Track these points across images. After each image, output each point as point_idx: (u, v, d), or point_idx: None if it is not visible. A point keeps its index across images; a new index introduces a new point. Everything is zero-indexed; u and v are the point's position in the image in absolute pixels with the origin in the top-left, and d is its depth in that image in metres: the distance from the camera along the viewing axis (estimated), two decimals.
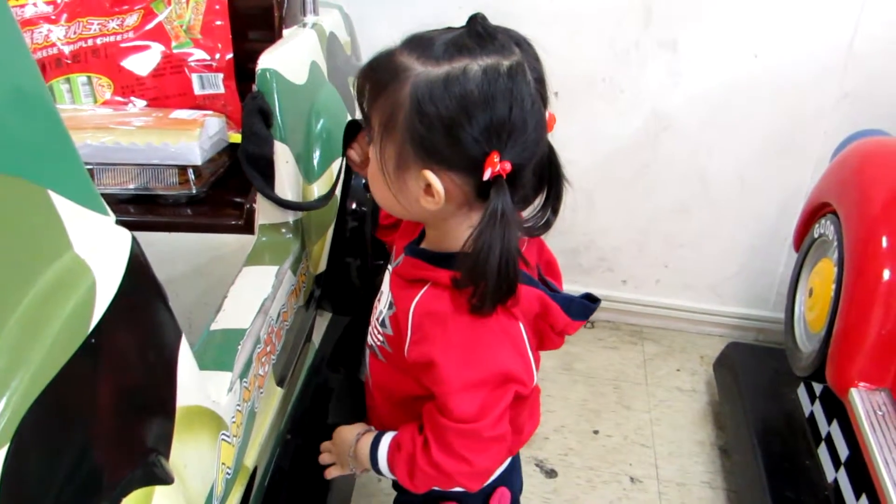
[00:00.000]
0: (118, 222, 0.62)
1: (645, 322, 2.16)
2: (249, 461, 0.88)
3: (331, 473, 0.93)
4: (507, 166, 0.67)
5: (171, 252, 1.12)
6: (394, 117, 0.69)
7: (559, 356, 1.99)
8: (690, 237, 2.04)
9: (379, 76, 0.71)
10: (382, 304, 0.85)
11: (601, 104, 1.89)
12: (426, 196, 0.71)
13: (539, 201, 0.79)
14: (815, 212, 1.51)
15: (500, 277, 0.69)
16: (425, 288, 0.76)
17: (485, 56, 0.67)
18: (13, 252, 0.51)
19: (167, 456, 0.63)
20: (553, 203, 0.78)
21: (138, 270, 0.60)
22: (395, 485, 1.02)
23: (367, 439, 0.86)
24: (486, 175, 0.67)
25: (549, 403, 1.82)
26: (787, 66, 1.77)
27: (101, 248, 0.57)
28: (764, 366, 1.76)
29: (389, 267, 0.87)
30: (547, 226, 0.79)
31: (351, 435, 0.89)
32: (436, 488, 0.88)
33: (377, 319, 0.86)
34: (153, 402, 0.62)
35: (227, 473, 0.79)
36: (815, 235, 1.49)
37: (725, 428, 1.76)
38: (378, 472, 0.84)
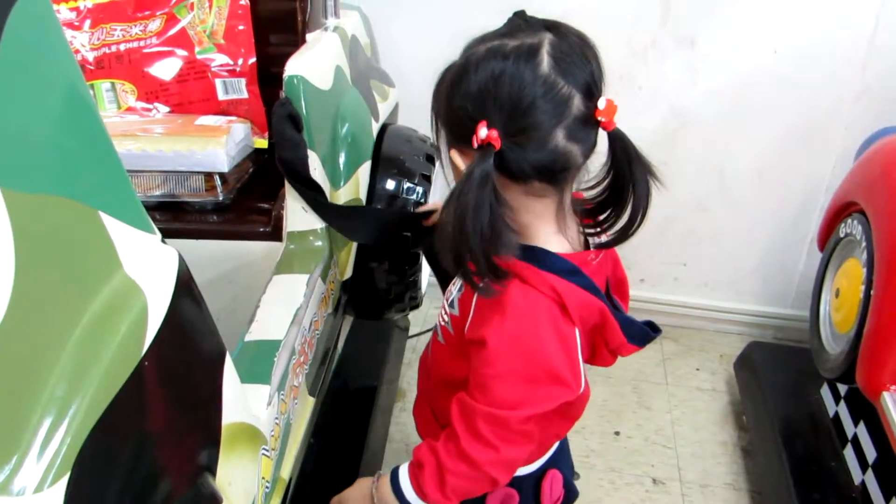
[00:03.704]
0: None
1: (663, 321, 2.12)
2: (285, 473, 0.88)
3: None
4: (494, 134, 0.69)
5: (198, 259, 1.10)
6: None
7: None
8: (709, 234, 2.03)
9: None
10: (455, 287, 0.87)
11: (618, 102, 1.87)
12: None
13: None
14: (841, 211, 1.50)
15: (472, 241, 0.70)
16: None
17: (501, 41, 0.71)
18: (66, 276, 0.50)
19: (214, 475, 0.63)
20: (625, 207, 0.77)
21: (185, 289, 0.60)
22: None
23: (385, 481, 0.84)
24: (474, 142, 0.70)
25: None
26: (806, 60, 1.75)
27: (150, 267, 0.56)
28: (786, 365, 1.74)
29: None
30: (622, 234, 0.79)
31: (364, 486, 0.87)
32: None
33: (447, 301, 0.87)
34: (201, 422, 0.62)
35: (267, 487, 0.79)
36: (841, 235, 1.48)
37: (747, 428, 1.75)
38: None
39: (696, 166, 1.93)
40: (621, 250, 0.87)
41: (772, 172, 1.91)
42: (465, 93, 0.71)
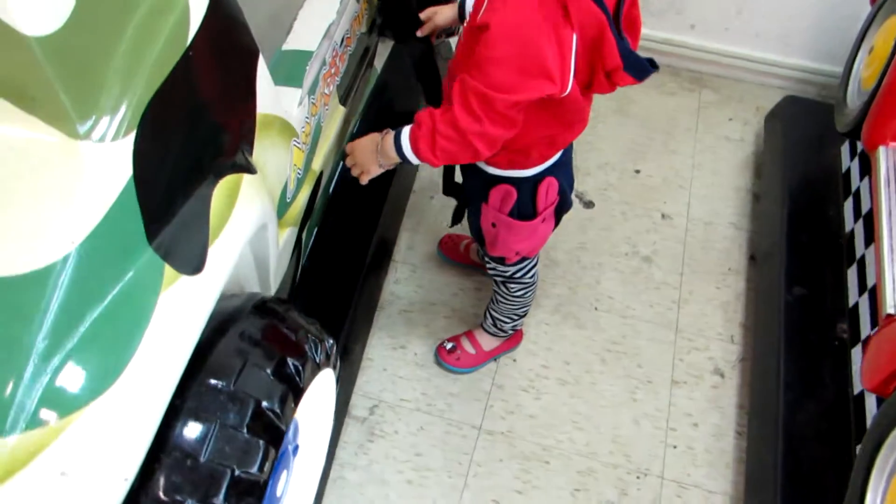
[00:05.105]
0: None
1: (707, 69, 2.15)
2: (317, 165, 1.05)
3: (364, 179, 1.05)
4: None
5: None
6: None
7: (615, 98, 2.04)
8: None
9: None
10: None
11: None
12: None
13: None
14: None
15: None
16: None
17: None
18: None
19: (251, 153, 0.78)
20: None
21: None
22: (464, 191, 1.18)
23: (390, 133, 0.98)
24: None
25: (596, 142, 1.92)
26: None
27: None
28: (816, 120, 1.77)
29: None
30: None
31: (374, 137, 1.00)
32: (490, 170, 1.04)
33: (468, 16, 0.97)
34: (239, 106, 0.76)
35: (298, 173, 0.96)
36: None
37: (763, 176, 1.84)
38: (403, 157, 0.96)
39: None
40: None
41: None
42: None
